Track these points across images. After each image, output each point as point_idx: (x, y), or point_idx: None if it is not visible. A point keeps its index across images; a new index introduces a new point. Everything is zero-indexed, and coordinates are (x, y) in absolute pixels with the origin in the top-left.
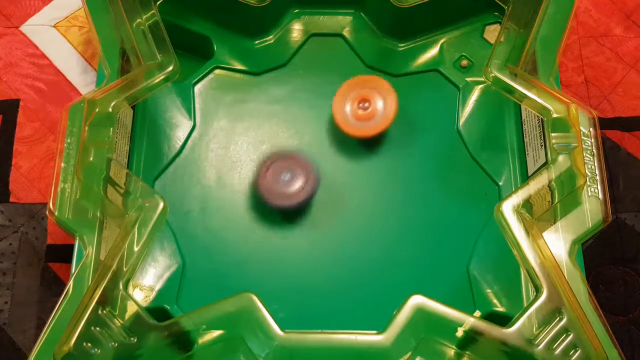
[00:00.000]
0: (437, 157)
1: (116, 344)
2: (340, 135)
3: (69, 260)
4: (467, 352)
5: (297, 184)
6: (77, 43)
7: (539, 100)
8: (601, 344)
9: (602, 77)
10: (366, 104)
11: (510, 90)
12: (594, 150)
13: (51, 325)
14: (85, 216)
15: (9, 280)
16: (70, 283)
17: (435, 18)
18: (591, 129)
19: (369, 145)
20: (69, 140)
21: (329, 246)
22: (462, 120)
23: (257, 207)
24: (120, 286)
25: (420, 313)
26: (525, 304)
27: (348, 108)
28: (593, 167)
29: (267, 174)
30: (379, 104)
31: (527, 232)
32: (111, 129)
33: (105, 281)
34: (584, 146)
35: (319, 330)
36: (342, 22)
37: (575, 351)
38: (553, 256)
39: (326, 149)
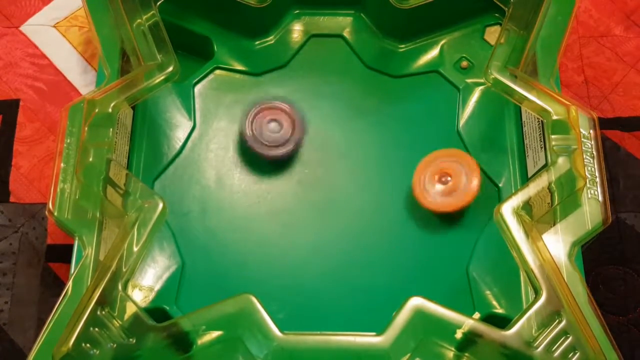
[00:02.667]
0: None
1: (115, 345)
2: (338, 140)
3: (68, 260)
4: (466, 354)
5: (284, 133)
6: (77, 43)
7: (539, 102)
8: (600, 347)
9: (602, 77)
10: (448, 178)
11: (510, 92)
12: (594, 152)
13: (50, 326)
14: (84, 216)
15: (9, 280)
16: (70, 283)
17: (435, 19)
18: (591, 131)
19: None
20: (68, 141)
21: (329, 248)
22: (462, 122)
23: (256, 206)
24: (120, 287)
25: (420, 315)
26: (524, 306)
27: (427, 182)
28: (593, 169)
29: (253, 123)
30: (462, 179)
31: (527, 234)
32: (111, 129)
33: (105, 282)
34: (583, 148)
35: (318, 332)
36: (343, 22)
37: (575, 354)
38: (552, 258)
39: (326, 152)
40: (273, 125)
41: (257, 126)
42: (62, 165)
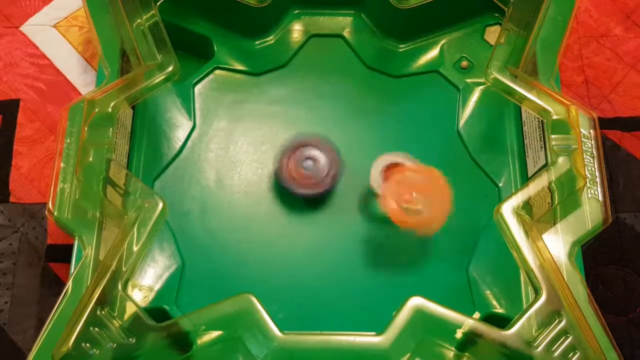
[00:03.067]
0: (437, 159)
1: (115, 345)
2: (338, 140)
3: (68, 260)
4: (466, 354)
5: (321, 171)
6: (77, 43)
7: (539, 102)
8: (600, 346)
9: (602, 77)
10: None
11: (510, 92)
12: (594, 152)
13: (50, 326)
14: (84, 216)
15: (9, 280)
16: (70, 283)
17: (435, 19)
18: (591, 131)
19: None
20: (68, 141)
21: (329, 248)
22: (462, 122)
23: (256, 206)
24: (119, 286)
25: (420, 315)
26: (524, 306)
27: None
28: (593, 168)
29: (289, 162)
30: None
31: (527, 233)
32: (111, 129)
33: (105, 281)
34: (584, 148)
35: (318, 332)
36: (343, 22)
37: (575, 353)
38: (552, 258)
39: None
40: (309, 163)
41: (292, 165)
42: (62, 165)
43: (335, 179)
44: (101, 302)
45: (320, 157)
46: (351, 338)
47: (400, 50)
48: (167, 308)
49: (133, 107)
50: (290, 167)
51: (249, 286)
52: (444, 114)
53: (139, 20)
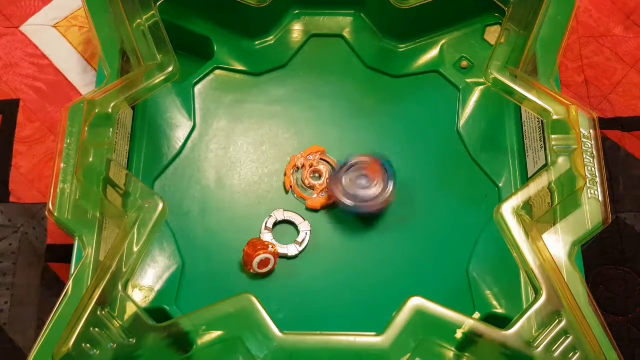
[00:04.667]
0: (437, 159)
1: (115, 345)
2: (338, 140)
3: (69, 260)
4: (466, 354)
5: (374, 189)
6: (77, 43)
7: (539, 102)
8: (600, 346)
9: (602, 77)
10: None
11: (510, 92)
12: (594, 152)
13: (50, 326)
14: (84, 217)
15: (9, 280)
16: (70, 283)
17: (435, 19)
18: (591, 131)
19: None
20: (68, 141)
21: (329, 248)
22: (462, 122)
23: (256, 206)
24: (120, 287)
25: (420, 315)
26: (524, 306)
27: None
28: (593, 169)
29: (344, 179)
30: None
31: (527, 234)
32: (111, 129)
33: (105, 282)
34: (584, 148)
35: (318, 332)
36: (343, 23)
37: (575, 353)
38: (552, 258)
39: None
40: (363, 181)
41: (347, 182)
42: (62, 165)
43: (388, 199)
44: (101, 303)
45: (374, 175)
46: (351, 338)
47: (400, 50)
48: (167, 308)
49: (133, 108)
50: (345, 182)
51: (249, 286)
52: (443, 114)
53: (139, 21)
